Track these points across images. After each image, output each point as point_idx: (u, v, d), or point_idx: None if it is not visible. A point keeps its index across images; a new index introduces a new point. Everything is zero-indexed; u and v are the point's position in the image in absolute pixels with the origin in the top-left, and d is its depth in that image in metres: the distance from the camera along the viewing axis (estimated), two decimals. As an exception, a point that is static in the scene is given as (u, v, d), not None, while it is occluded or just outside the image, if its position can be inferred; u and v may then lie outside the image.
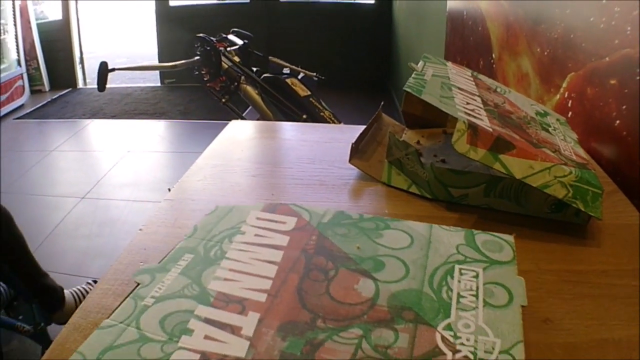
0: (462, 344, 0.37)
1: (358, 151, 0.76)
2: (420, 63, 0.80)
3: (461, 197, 0.66)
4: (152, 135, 3.58)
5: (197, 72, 2.17)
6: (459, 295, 0.42)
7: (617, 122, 0.79)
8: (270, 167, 0.79)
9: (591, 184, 0.59)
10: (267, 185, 0.73)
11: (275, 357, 0.35)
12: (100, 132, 3.70)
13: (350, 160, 0.73)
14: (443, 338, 0.38)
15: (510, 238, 0.50)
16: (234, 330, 0.37)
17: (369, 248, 0.46)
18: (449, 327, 0.38)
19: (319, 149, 0.86)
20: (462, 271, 0.44)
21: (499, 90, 0.83)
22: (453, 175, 0.65)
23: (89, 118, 3.91)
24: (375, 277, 0.43)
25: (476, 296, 0.42)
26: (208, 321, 0.37)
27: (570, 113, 0.96)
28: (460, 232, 0.50)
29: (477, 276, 0.44)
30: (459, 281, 0.43)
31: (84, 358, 0.34)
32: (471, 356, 0.36)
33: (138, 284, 0.41)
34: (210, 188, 0.71)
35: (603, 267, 0.55)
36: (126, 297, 0.40)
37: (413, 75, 0.73)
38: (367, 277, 0.43)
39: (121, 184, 2.80)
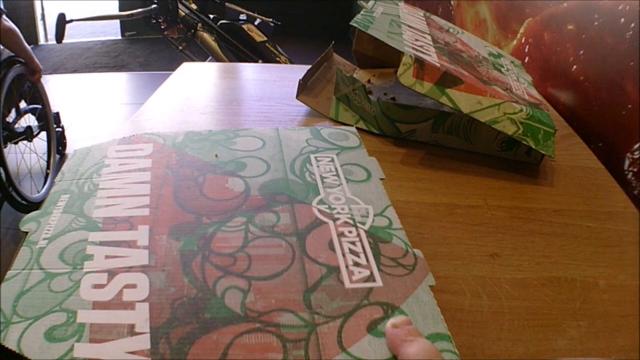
0: (338, 213, 0.43)
1: (306, 88, 0.75)
2: (371, 2, 0.78)
3: (409, 133, 0.66)
4: (113, 87, 3.50)
5: (154, 21, 2.12)
6: (322, 177, 0.47)
7: (574, 67, 0.79)
8: (218, 105, 0.77)
9: (543, 122, 0.59)
10: (214, 122, 0.72)
11: (176, 256, 0.38)
12: (61, 87, 3.60)
13: (297, 97, 0.72)
14: (320, 211, 0.43)
15: (352, 129, 0.55)
16: (130, 244, 0.39)
17: (226, 154, 0.50)
18: (322, 202, 0.44)
19: (268, 88, 0.84)
20: (318, 158, 0.50)
21: (451, 30, 0.82)
22: (400, 110, 0.65)
23: (50, 74, 3.81)
24: (241, 175, 0.47)
25: (337, 175, 0.47)
26: (103, 243, 0.39)
27: (527, 58, 0.96)
28: (305, 129, 0.55)
29: (332, 160, 0.50)
30: (318, 166, 0.49)
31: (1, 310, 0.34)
32: (350, 221, 0.41)
33: (26, 233, 0.42)
34: (158, 126, 0.69)
35: (556, 206, 0.55)
36: (20, 247, 0.40)
37: (361, 12, 0.72)
38: (234, 176, 0.47)
39: (81, 137, 2.73)
